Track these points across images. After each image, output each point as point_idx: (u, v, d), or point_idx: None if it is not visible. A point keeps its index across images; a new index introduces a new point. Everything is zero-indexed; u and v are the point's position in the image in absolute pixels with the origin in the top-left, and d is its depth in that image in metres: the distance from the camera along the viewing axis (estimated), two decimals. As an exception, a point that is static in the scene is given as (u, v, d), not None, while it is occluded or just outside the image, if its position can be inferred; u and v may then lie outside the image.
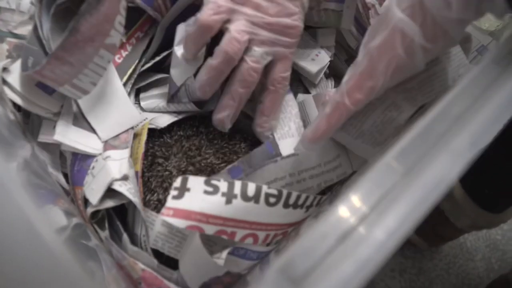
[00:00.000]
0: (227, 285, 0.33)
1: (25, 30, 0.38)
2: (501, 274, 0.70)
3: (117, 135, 0.37)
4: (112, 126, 0.37)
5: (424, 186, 0.19)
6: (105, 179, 0.33)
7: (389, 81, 0.28)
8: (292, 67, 0.39)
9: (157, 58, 0.41)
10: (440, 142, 0.21)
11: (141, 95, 0.42)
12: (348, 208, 0.19)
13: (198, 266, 0.31)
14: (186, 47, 0.37)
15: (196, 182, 0.30)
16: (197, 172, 0.37)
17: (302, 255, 0.18)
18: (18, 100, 0.35)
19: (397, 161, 0.21)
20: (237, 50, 0.35)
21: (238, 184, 0.30)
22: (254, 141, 0.41)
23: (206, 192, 0.30)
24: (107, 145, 0.36)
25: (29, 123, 0.37)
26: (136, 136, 0.37)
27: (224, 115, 0.38)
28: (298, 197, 0.32)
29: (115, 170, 0.34)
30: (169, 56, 0.40)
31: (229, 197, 0.30)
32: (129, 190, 0.33)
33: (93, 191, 0.33)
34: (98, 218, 0.35)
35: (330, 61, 0.44)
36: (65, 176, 0.38)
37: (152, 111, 0.41)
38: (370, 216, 0.19)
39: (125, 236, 0.34)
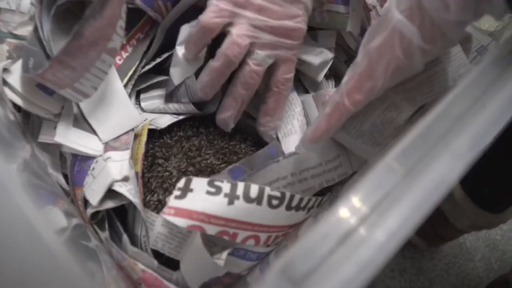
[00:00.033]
0: (227, 286, 0.33)
1: (25, 30, 0.37)
2: (501, 274, 0.70)
3: (118, 137, 0.37)
4: (112, 127, 0.37)
5: (424, 187, 0.19)
6: (105, 180, 0.33)
7: (388, 82, 0.28)
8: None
9: (158, 60, 0.41)
10: (441, 143, 0.21)
11: (142, 96, 0.42)
12: (349, 209, 0.19)
13: (199, 266, 0.31)
14: (187, 47, 0.38)
15: (199, 183, 0.30)
16: (197, 173, 0.37)
17: (302, 256, 0.18)
18: (19, 101, 0.34)
19: (397, 162, 0.21)
20: (238, 54, 0.36)
21: (241, 186, 0.30)
22: (254, 142, 0.41)
23: (208, 192, 0.30)
24: (108, 146, 0.36)
25: (29, 123, 0.37)
26: (136, 136, 0.37)
27: (227, 115, 0.38)
28: (301, 199, 0.32)
29: (115, 171, 0.33)
30: (169, 57, 0.40)
31: (232, 198, 0.30)
32: (129, 191, 0.33)
33: (93, 192, 0.33)
34: (98, 219, 0.35)
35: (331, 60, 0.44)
36: (65, 176, 0.38)
37: (152, 112, 0.41)
38: (371, 217, 0.19)
39: (125, 237, 0.34)
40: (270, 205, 0.31)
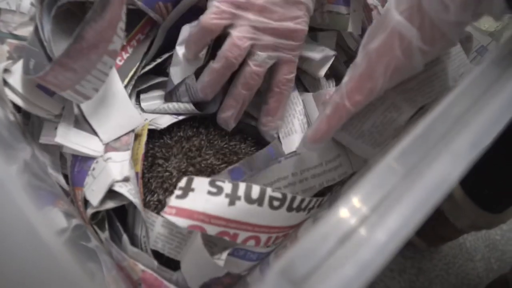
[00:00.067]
0: (227, 286, 0.33)
1: (26, 31, 0.37)
2: (501, 274, 0.70)
3: (119, 137, 0.37)
4: (113, 128, 0.37)
5: (425, 187, 0.19)
6: (106, 181, 0.33)
7: (388, 82, 0.28)
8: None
9: (158, 60, 0.41)
10: (441, 143, 0.21)
11: (142, 96, 0.42)
12: (349, 209, 0.19)
13: (199, 266, 0.31)
14: (187, 46, 0.38)
15: (200, 183, 0.30)
16: (197, 173, 0.37)
17: (302, 256, 0.18)
18: (19, 102, 0.34)
19: (397, 162, 0.21)
20: (238, 56, 0.36)
21: (242, 186, 0.30)
22: (254, 142, 0.41)
23: (210, 192, 0.30)
24: (108, 147, 0.36)
25: (29, 124, 0.37)
26: (136, 137, 0.37)
27: (228, 115, 0.39)
28: (302, 200, 0.32)
29: (116, 172, 0.34)
30: (170, 58, 0.40)
31: (233, 198, 0.30)
32: (130, 191, 0.33)
33: (94, 192, 0.33)
34: (98, 219, 0.35)
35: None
36: (65, 177, 0.38)
37: (152, 112, 0.41)
38: (371, 218, 0.19)
39: (125, 237, 0.34)
40: (271, 206, 0.31)
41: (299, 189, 0.36)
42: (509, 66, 0.24)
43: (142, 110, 0.41)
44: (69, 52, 0.31)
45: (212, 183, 0.30)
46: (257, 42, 0.36)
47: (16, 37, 0.37)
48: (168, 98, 0.42)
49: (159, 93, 0.42)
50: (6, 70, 0.34)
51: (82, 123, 0.36)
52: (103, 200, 0.33)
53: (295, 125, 0.41)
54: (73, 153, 0.36)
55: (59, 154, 0.38)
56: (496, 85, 0.23)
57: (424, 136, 0.21)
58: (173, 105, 0.40)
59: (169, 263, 0.34)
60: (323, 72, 0.43)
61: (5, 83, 0.34)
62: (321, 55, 0.41)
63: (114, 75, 0.38)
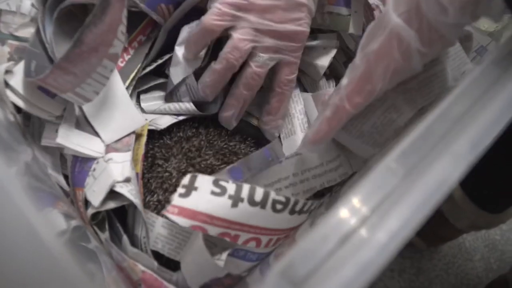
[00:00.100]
0: (227, 287, 0.33)
1: (27, 32, 0.37)
2: (500, 274, 0.70)
3: (120, 139, 0.37)
4: (115, 129, 0.37)
5: (425, 188, 0.19)
6: (106, 181, 0.33)
7: (387, 84, 0.28)
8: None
9: (159, 61, 0.41)
10: (441, 144, 0.21)
11: (142, 97, 0.42)
12: (349, 210, 0.19)
13: (200, 266, 0.31)
14: (187, 46, 0.38)
15: (204, 181, 0.30)
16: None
17: (302, 257, 0.18)
18: (20, 103, 0.34)
19: (397, 162, 0.21)
20: (239, 58, 0.36)
21: (246, 188, 0.30)
22: (254, 142, 0.41)
23: (213, 193, 0.30)
24: (109, 147, 0.36)
25: (30, 125, 0.37)
26: (136, 137, 0.37)
27: (229, 114, 0.39)
28: (305, 204, 0.32)
29: (117, 173, 0.34)
30: (170, 59, 0.40)
31: (236, 200, 0.30)
32: (130, 192, 0.33)
33: (95, 192, 0.33)
34: (98, 219, 0.35)
35: (330, 62, 0.44)
36: (65, 177, 0.37)
37: (153, 112, 0.41)
38: (371, 218, 0.19)
39: (125, 238, 0.34)
40: (274, 209, 0.31)
41: (300, 189, 0.36)
42: (509, 66, 0.24)
43: (142, 110, 0.41)
44: (68, 56, 0.31)
45: (215, 183, 0.30)
46: (258, 44, 0.36)
47: (17, 38, 0.37)
48: (168, 98, 0.42)
49: (160, 93, 0.42)
50: (7, 72, 0.34)
51: (83, 124, 0.36)
52: (104, 201, 0.33)
53: (296, 125, 0.41)
54: (75, 154, 0.36)
55: (59, 155, 0.38)
56: (496, 86, 0.23)
57: (424, 136, 0.21)
58: (174, 106, 0.40)
59: (169, 264, 0.34)
60: (326, 61, 0.43)
61: (6, 84, 0.34)
62: (324, 42, 0.42)
63: (116, 77, 0.38)
